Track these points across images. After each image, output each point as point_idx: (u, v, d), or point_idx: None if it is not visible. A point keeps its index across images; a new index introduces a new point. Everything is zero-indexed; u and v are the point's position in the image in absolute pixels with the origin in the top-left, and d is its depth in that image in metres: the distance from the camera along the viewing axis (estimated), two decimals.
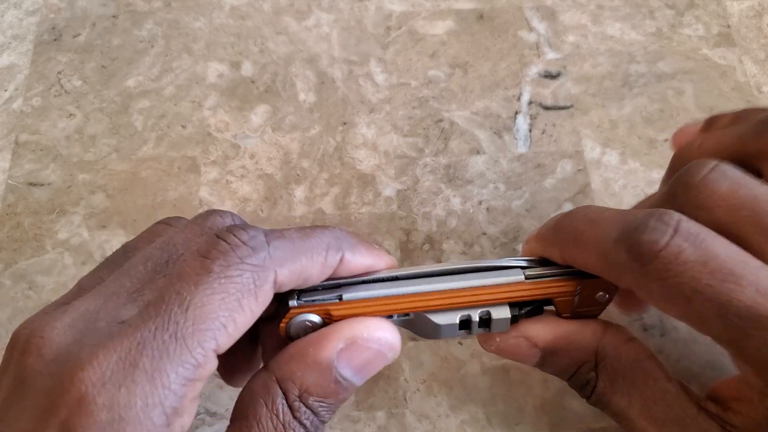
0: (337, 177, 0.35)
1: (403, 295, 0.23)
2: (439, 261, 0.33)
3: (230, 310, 0.20)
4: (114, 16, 0.40)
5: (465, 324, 0.24)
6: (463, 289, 0.23)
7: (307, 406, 0.21)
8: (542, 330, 0.24)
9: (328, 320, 0.23)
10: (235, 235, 0.21)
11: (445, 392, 0.30)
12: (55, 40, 0.39)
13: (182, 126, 0.37)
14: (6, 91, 0.38)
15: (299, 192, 0.35)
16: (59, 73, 0.38)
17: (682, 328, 0.31)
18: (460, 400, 0.30)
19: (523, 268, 0.24)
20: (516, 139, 0.36)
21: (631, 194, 0.34)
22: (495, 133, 0.36)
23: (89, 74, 0.38)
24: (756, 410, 0.21)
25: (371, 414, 0.30)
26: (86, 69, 0.38)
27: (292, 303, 0.23)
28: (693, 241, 0.20)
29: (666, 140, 0.36)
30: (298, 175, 0.35)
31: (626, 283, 0.22)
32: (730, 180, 0.21)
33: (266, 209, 0.34)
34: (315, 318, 0.23)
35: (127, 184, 0.35)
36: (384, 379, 0.30)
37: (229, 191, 0.35)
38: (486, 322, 0.24)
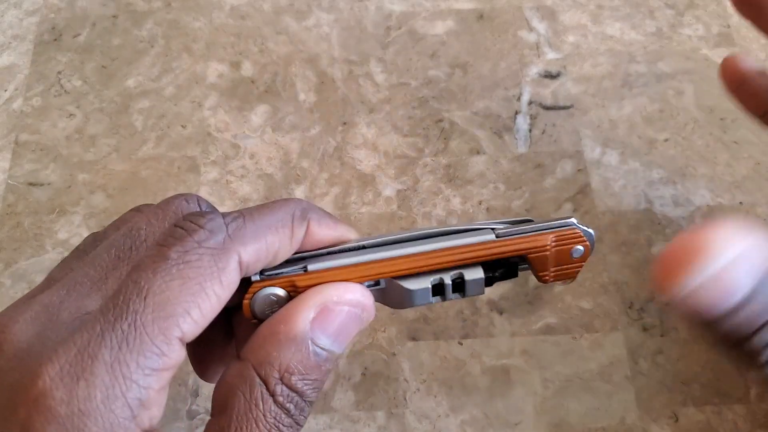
0: (337, 177, 0.35)
1: (371, 262, 0.23)
2: None
3: (193, 295, 0.19)
4: (114, 16, 0.40)
5: (438, 289, 0.23)
6: (433, 251, 0.23)
7: (290, 388, 0.21)
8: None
9: (294, 293, 0.22)
10: (191, 221, 0.21)
11: (445, 392, 0.30)
12: (55, 40, 0.39)
13: (182, 126, 0.37)
14: (6, 91, 0.38)
15: (299, 192, 0.35)
16: (59, 73, 0.38)
17: (683, 328, 0.31)
18: (460, 400, 0.30)
19: (493, 229, 0.23)
20: (516, 139, 0.36)
21: (631, 194, 0.34)
22: (495, 133, 0.36)
23: (89, 74, 0.38)
24: None
25: (371, 414, 0.30)
26: (86, 69, 0.38)
27: (255, 278, 0.22)
28: None
29: (666, 140, 0.36)
30: (298, 175, 0.35)
31: None
32: None
33: None
34: (280, 291, 0.22)
35: (127, 184, 0.35)
36: (384, 379, 0.31)
37: (229, 191, 0.35)
38: (460, 285, 0.23)
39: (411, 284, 0.23)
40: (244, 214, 0.21)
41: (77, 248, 0.23)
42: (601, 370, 0.30)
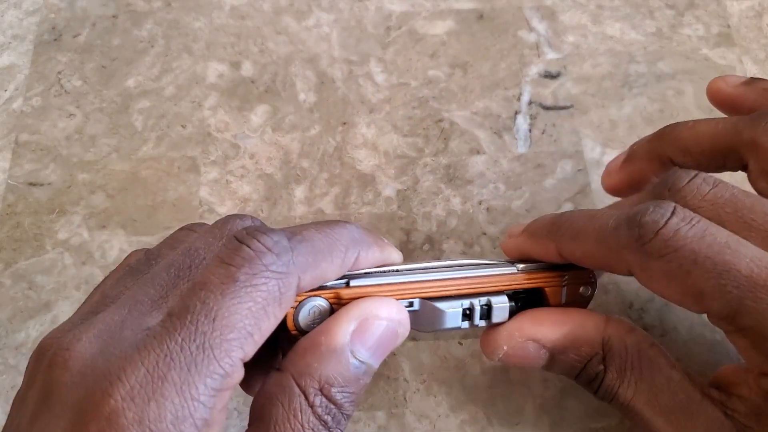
0: (337, 177, 0.35)
1: (409, 282, 0.24)
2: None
3: (256, 318, 0.20)
4: (114, 16, 0.40)
5: (467, 314, 0.25)
6: (464, 278, 0.24)
7: (329, 399, 0.21)
8: (548, 330, 0.24)
9: (337, 306, 0.23)
10: (259, 241, 0.21)
11: (445, 392, 0.30)
12: (55, 40, 0.39)
13: (182, 126, 0.37)
14: (6, 91, 0.38)
15: (299, 192, 0.35)
16: (59, 73, 0.38)
17: (683, 328, 0.31)
18: (460, 400, 0.30)
19: (513, 263, 0.26)
20: (516, 139, 0.36)
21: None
22: (495, 133, 0.36)
23: (89, 74, 0.38)
24: (754, 393, 0.22)
25: (371, 414, 0.30)
26: (86, 69, 0.38)
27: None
28: (690, 220, 0.21)
29: None
30: (298, 175, 0.35)
31: (626, 265, 0.23)
32: (712, 182, 0.23)
33: (266, 209, 0.34)
34: (323, 302, 0.23)
35: (127, 184, 0.35)
36: (384, 379, 0.30)
37: (229, 191, 0.35)
38: (487, 311, 0.25)
39: (444, 305, 0.24)
40: (306, 237, 0.22)
41: (129, 266, 0.23)
42: None
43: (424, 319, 0.24)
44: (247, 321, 0.20)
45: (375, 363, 0.22)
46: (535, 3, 0.40)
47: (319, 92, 0.37)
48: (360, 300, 0.22)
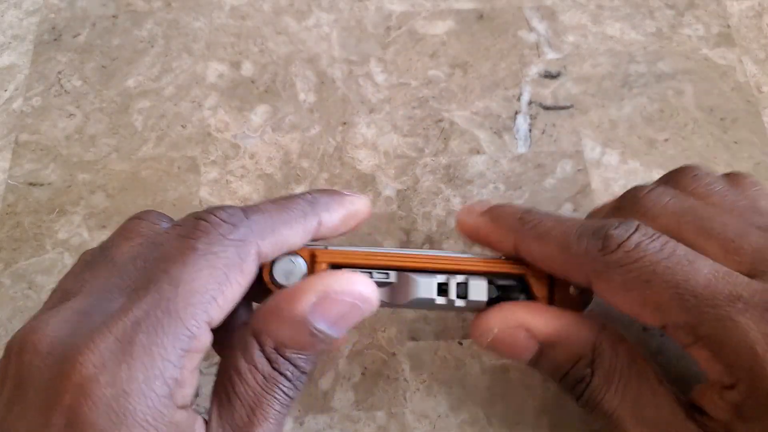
0: (337, 177, 0.35)
1: (387, 253, 0.25)
2: None
3: (219, 284, 0.21)
4: (114, 16, 0.40)
5: (443, 288, 0.25)
6: (444, 256, 0.25)
7: (284, 358, 0.22)
8: (541, 321, 0.24)
9: (311, 266, 0.24)
10: (214, 214, 0.22)
11: (445, 392, 0.30)
12: (55, 40, 0.39)
13: (182, 126, 0.37)
14: (6, 91, 0.38)
15: (299, 191, 0.35)
16: (59, 73, 0.38)
17: None
18: (460, 400, 0.30)
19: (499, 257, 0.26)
20: (516, 139, 0.36)
21: None
22: (495, 133, 0.36)
23: (89, 74, 0.38)
24: (721, 410, 0.22)
25: (371, 414, 0.30)
26: (86, 69, 0.38)
27: None
28: (652, 236, 0.22)
29: (666, 140, 0.36)
30: (298, 175, 0.35)
31: (584, 274, 0.23)
32: (671, 193, 0.24)
33: None
34: (299, 260, 0.24)
35: (127, 184, 0.35)
36: (384, 379, 0.30)
37: (229, 191, 0.35)
38: (464, 289, 0.25)
39: (419, 276, 0.24)
40: (261, 209, 0.23)
41: (85, 261, 0.24)
42: None
43: (399, 291, 0.25)
44: (209, 286, 0.21)
45: (335, 334, 0.22)
46: (535, 3, 0.40)
47: (319, 92, 0.37)
48: (329, 272, 0.23)
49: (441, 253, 0.25)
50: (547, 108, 0.37)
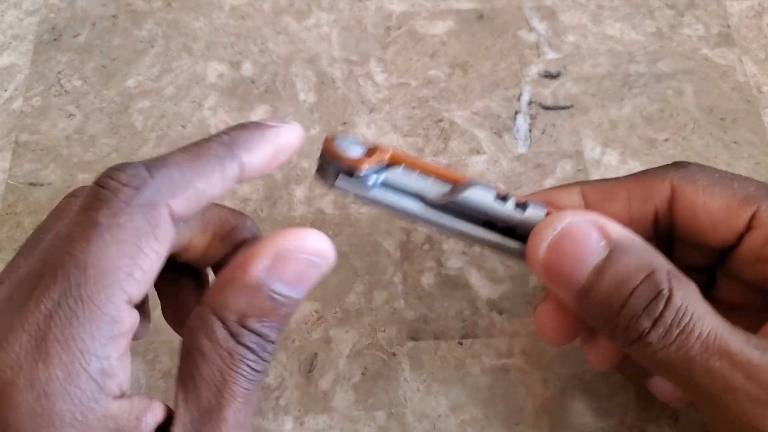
0: None
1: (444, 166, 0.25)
2: (439, 261, 0.33)
3: (131, 258, 0.19)
4: (114, 16, 0.40)
5: (501, 197, 0.24)
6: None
7: (249, 329, 0.20)
8: (616, 224, 0.22)
9: (370, 153, 0.23)
10: (113, 179, 0.20)
11: (445, 392, 0.30)
12: (55, 40, 0.39)
13: (182, 126, 0.37)
14: (6, 91, 0.38)
15: (299, 192, 0.35)
16: (59, 73, 0.38)
17: None
18: (460, 400, 0.30)
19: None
20: (516, 139, 0.36)
21: None
22: (495, 133, 0.36)
23: (89, 74, 0.38)
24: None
25: (371, 414, 0.30)
26: (86, 69, 0.38)
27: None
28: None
29: (666, 140, 0.36)
30: (298, 175, 0.35)
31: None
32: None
33: (266, 209, 0.34)
34: (358, 146, 0.23)
35: None
36: (384, 379, 0.31)
37: (228, 191, 0.35)
38: (524, 204, 0.24)
39: (478, 184, 0.24)
40: (168, 161, 0.21)
41: (23, 246, 0.23)
42: (600, 370, 0.30)
43: (452, 199, 0.24)
44: (121, 263, 0.19)
45: (296, 295, 0.21)
46: (535, 3, 0.40)
47: (319, 92, 0.37)
48: (277, 233, 0.21)
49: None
50: (547, 108, 0.37)
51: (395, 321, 0.32)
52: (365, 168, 0.23)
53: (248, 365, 0.20)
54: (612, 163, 0.35)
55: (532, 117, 0.36)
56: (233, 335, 0.20)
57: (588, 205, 0.26)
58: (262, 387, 0.30)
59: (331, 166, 0.23)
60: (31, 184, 0.35)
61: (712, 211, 0.24)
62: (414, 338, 0.31)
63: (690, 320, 0.20)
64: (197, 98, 0.37)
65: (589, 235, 0.21)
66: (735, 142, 0.36)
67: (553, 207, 0.24)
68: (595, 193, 0.26)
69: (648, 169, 0.26)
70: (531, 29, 0.39)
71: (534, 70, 0.38)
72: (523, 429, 0.30)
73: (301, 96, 0.37)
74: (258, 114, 0.37)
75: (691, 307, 0.20)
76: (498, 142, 0.36)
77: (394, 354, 0.31)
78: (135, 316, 0.20)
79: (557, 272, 0.22)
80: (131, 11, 0.40)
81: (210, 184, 0.21)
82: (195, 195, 0.20)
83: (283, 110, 0.37)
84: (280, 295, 0.20)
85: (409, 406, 0.30)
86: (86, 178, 0.35)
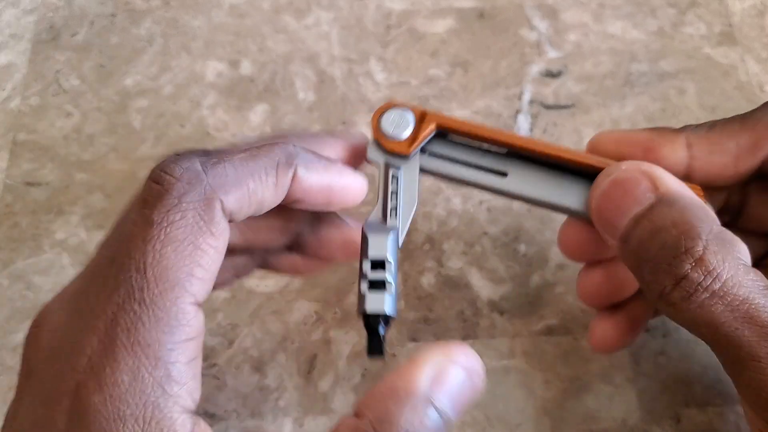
0: None
1: (499, 130, 0.24)
2: (439, 261, 0.33)
3: (190, 257, 0.19)
4: (112, 15, 0.40)
5: None
6: (553, 146, 0.24)
7: None
8: (670, 176, 0.22)
9: (419, 124, 0.24)
10: (166, 173, 0.19)
11: None
12: (53, 39, 0.39)
13: (181, 125, 0.36)
14: (4, 90, 0.38)
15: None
16: (57, 72, 0.38)
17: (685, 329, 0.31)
18: None
19: None
20: None
21: None
22: None
23: (87, 73, 0.38)
24: None
25: None
26: (84, 68, 0.38)
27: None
28: None
29: None
30: None
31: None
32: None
33: None
34: (409, 113, 0.24)
35: (125, 184, 0.35)
36: None
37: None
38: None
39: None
40: (224, 158, 0.20)
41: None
42: (602, 371, 0.30)
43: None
44: (180, 262, 0.18)
45: (453, 415, 0.20)
46: (537, 1, 0.39)
47: (319, 91, 0.37)
48: (433, 346, 0.20)
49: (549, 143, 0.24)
50: (548, 107, 0.37)
51: (395, 322, 0.31)
52: (411, 152, 0.24)
53: None
54: None
55: (534, 116, 0.36)
56: None
57: (694, 159, 0.24)
58: (261, 388, 0.30)
59: (380, 151, 0.24)
60: (28, 183, 0.35)
61: None
62: (414, 339, 0.31)
63: (722, 285, 0.19)
64: (196, 97, 0.37)
65: (638, 186, 0.21)
66: None
67: (652, 156, 0.24)
68: (702, 145, 0.24)
69: (755, 111, 0.24)
70: (532, 28, 0.39)
71: (535, 68, 0.38)
72: (524, 430, 0.29)
73: (301, 95, 0.37)
74: (257, 113, 0.37)
75: (726, 272, 0.19)
76: None
77: (394, 355, 0.31)
78: (201, 317, 0.19)
79: (605, 219, 0.22)
80: (129, 10, 0.40)
81: (262, 186, 0.20)
82: (247, 194, 0.20)
83: (282, 109, 0.37)
84: (441, 411, 0.19)
85: None
86: (84, 178, 0.35)
